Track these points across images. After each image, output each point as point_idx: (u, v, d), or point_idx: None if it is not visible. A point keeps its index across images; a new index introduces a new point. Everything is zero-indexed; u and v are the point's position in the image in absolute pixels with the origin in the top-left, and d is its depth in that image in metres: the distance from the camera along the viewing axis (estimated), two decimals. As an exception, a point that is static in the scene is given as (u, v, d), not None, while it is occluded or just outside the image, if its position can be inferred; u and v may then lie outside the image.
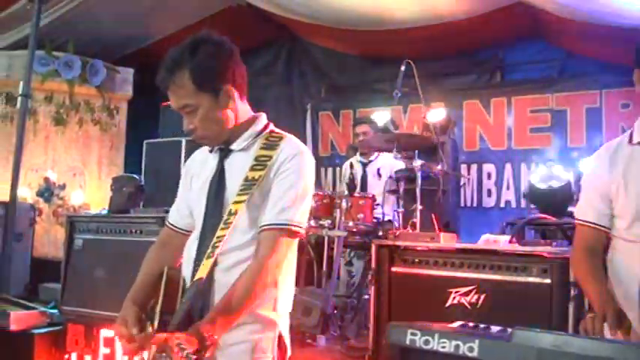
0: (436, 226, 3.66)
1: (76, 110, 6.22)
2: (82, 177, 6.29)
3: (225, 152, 1.73)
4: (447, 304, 3.11)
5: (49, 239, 6.00)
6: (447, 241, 3.38)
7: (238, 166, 1.68)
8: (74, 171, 6.26)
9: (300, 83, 6.89)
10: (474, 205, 5.73)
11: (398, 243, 3.40)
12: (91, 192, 6.28)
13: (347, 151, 5.36)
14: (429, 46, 5.44)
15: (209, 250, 1.57)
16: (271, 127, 1.76)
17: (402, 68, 4.14)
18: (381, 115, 4.86)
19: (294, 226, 1.60)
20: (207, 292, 1.60)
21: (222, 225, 1.59)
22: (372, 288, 3.41)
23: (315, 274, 4.31)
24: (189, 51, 1.62)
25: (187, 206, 1.83)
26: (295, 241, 1.67)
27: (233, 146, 1.72)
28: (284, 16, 5.74)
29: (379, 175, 4.50)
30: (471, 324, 2.44)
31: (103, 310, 3.79)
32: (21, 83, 4.96)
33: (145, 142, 5.32)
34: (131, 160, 6.32)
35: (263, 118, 1.77)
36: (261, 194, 1.63)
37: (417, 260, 3.31)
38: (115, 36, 6.16)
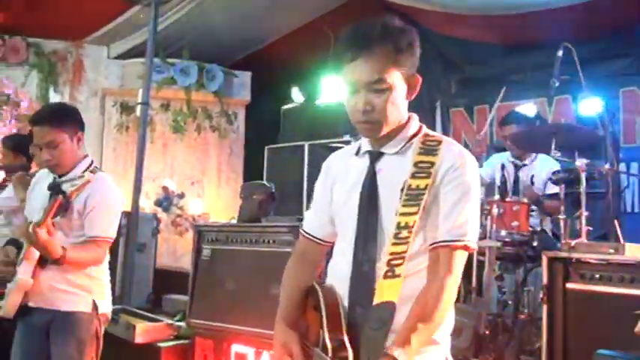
0: (620, 236, 3.19)
1: (194, 117, 6.26)
2: (201, 185, 6.30)
3: (375, 155, 1.60)
4: (637, 329, 2.67)
5: (167, 249, 6.01)
6: (634, 253, 2.92)
7: (392, 171, 1.57)
8: (192, 179, 6.29)
9: (428, 78, 6.29)
10: (635, 210, 5.09)
11: (574, 255, 3.03)
12: (210, 200, 6.26)
13: (488, 151, 4.92)
14: (574, 29, 4.92)
15: (385, 269, 1.46)
16: (425, 129, 1.63)
17: (560, 53, 3.73)
18: (527, 110, 4.44)
19: (470, 241, 1.51)
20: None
21: (394, 240, 1.47)
22: (545, 307, 3.06)
23: (462, 290, 3.91)
24: (393, 25, 1.51)
25: (327, 213, 1.71)
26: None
27: (385, 149, 1.59)
28: (409, 6, 5.47)
29: (532, 182, 4.10)
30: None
31: (233, 324, 3.65)
32: (140, 91, 4.95)
33: (267, 147, 5.28)
34: (251, 166, 6.26)
35: (416, 120, 1.64)
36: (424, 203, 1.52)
37: (597, 276, 2.96)
38: (229, 39, 6.12)
